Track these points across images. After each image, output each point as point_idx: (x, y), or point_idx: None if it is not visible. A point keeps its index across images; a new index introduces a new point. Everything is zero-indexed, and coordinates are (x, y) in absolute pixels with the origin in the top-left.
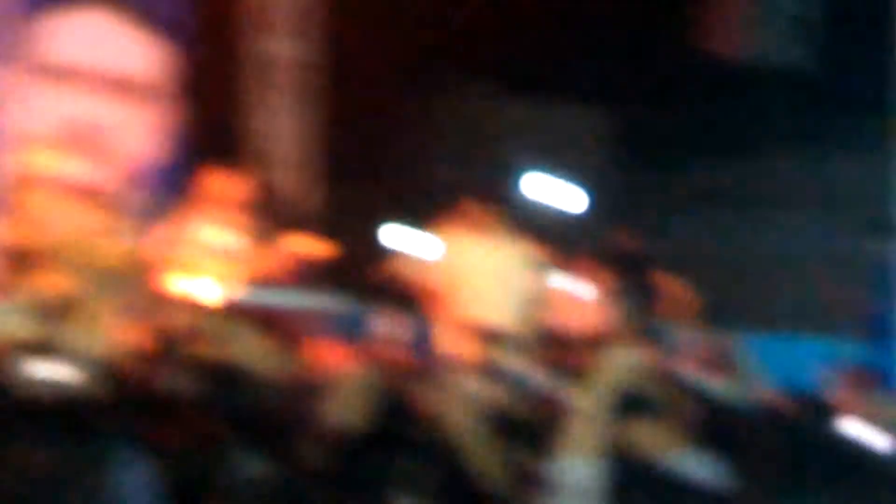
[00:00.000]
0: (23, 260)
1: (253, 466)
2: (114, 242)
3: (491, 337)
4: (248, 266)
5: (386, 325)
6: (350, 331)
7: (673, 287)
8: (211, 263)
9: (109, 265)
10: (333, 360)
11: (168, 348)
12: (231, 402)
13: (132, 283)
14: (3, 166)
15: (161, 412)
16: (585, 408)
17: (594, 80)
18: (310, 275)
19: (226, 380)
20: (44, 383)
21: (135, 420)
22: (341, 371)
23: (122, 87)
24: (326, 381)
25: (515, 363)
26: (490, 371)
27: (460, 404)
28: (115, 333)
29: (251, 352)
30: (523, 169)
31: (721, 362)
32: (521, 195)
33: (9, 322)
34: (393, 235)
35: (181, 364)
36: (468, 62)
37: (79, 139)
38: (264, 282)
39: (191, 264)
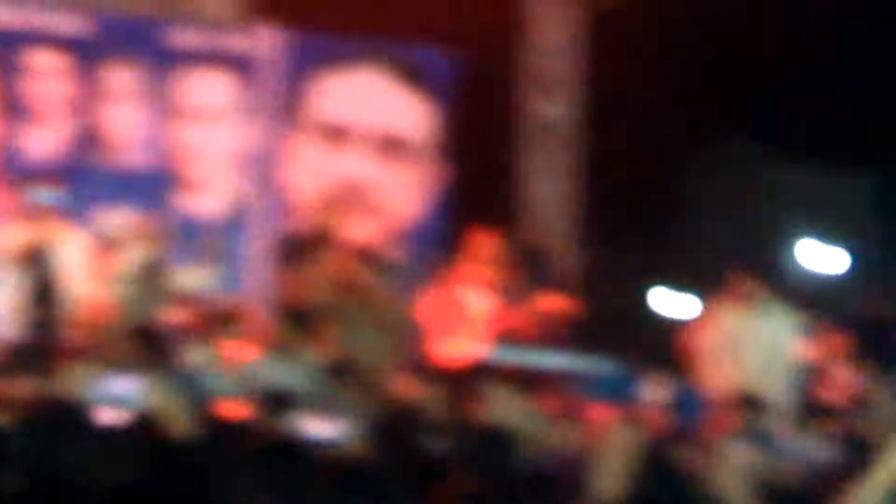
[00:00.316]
0: (299, 317)
1: None
2: (384, 301)
3: (755, 404)
4: (511, 326)
5: (651, 389)
6: (615, 394)
7: None
8: (474, 323)
9: (380, 324)
10: (599, 422)
11: (435, 407)
12: (499, 464)
13: (401, 342)
14: (278, 225)
15: (430, 471)
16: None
17: (858, 147)
18: (573, 336)
19: (494, 441)
20: (321, 440)
21: (406, 479)
22: (607, 433)
23: (391, 146)
24: (592, 443)
25: (780, 430)
26: (755, 437)
27: (727, 470)
28: (386, 392)
29: (517, 413)
30: (790, 234)
31: None
32: (789, 260)
33: (288, 379)
34: (660, 299)
35: (449, 424)
36: (735, 127)
37: (350, 198)
38: (528, 343)
39: (455, 324)
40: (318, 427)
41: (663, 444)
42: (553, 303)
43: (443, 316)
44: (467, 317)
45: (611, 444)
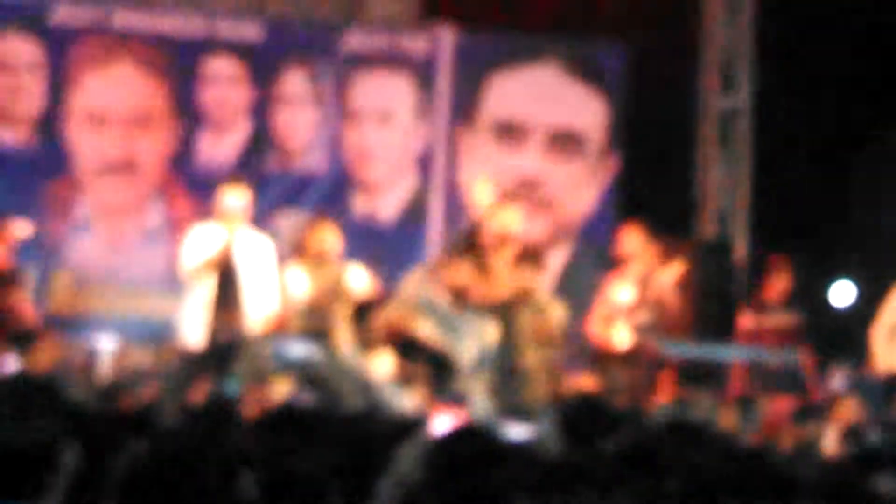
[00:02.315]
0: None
1: None
2: (547, 300)
3: None
4: (673, 318)
5: (834, 379)
6: (795, 385)
7: None
8: (634, 317)
9: (544, 322)
10: (780, 414)
11: (616, 400)
12: (693, 461)
13: (566, 339)
14: (455, 224)
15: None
16: None
17: None
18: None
19: (684, 436)
20: (519, 442)
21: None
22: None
23: (566, 142)
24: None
25: None
26: None
27: None
28: (564, 388)
29: (698, 406)
30: None
31: None
32: None
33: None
34: (838, 291)
35: (632, 416)
36: None
37: (525, 194)
38: (689, 334)
39: (617, 319)
40: (514, 429)
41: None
42: (725, 299)
43: (607, 311)
44: (624, 310)
45: None
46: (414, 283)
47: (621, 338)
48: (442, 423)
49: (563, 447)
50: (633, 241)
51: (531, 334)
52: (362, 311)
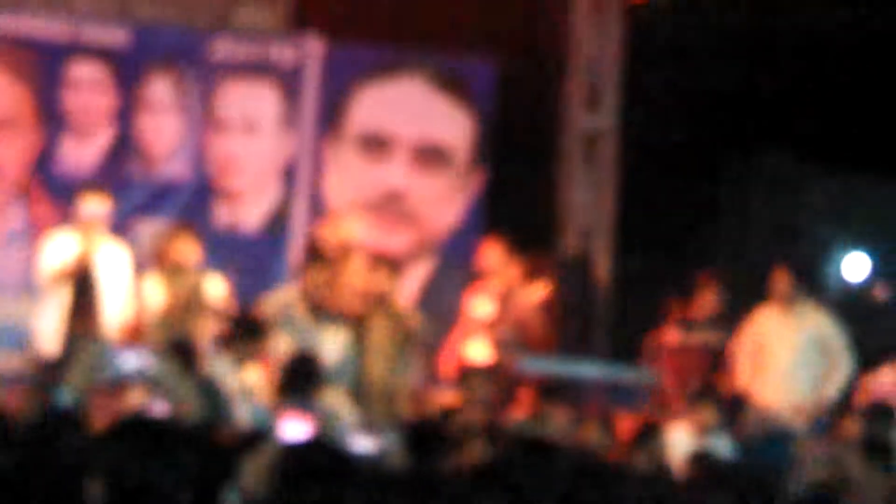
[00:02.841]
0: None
1: None
2: (404, 310)
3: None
4: (536, 337)
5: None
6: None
7: None
8: (492, 332)
9: (400, 333)
10: (628, 431)
11: (469, 415)
12: (544, 474)
13: (424, 352)
14: (318, 233)
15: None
16: None
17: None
18: (608, 345)
19: (537, 451)
20: (364, 455)
21: (444, 487)
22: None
23: (431, 155)
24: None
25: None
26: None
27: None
28: (417, 402)
29: (554, 423)
30: (832, 245)
31: None
32: (830, 271)
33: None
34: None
35: (485, 431)
36: (774, 135)
37: (389, 207)
38: (551, 352)
39: (474, 333)
40: (361, 442)
41: None
42: (581, 313)
43: (465, 326)
44: (484, 325)
45: None
46: (277, 298)
47: (478, 352)
48: (292, 432)
49: (407, 462)
50: (493, 255)
51: (386, 344)
52: (248, 326)
